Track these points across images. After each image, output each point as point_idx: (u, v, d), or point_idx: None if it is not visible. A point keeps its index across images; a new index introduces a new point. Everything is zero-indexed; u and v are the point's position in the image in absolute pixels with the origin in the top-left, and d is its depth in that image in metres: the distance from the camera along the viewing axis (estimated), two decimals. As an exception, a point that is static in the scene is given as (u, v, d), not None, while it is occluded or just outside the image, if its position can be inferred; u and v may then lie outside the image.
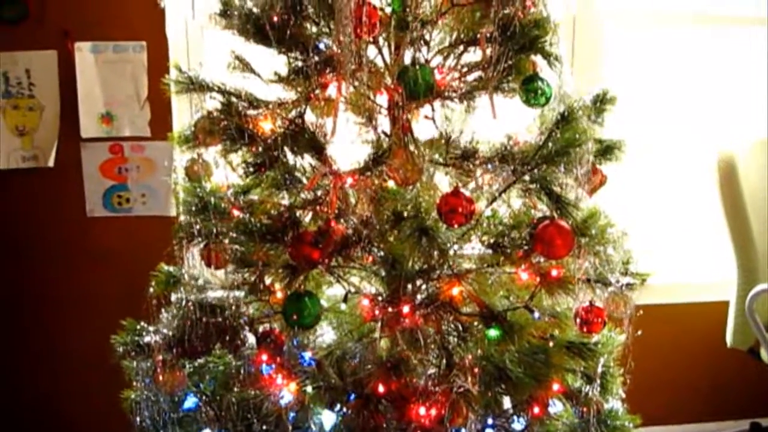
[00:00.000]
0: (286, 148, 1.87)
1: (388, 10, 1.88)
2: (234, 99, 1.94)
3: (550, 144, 1.79)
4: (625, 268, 2.07)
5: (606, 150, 2.02)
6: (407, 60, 1.86)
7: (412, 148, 1.80)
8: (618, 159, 2.05)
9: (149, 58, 2.94)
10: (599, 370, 2.11)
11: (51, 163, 2.98)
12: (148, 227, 3.03)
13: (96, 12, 2.91)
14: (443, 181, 1.96)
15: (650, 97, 3.27)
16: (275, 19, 1.87)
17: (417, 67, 1.78)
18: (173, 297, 2.21)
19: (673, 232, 3.38)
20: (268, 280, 2.08)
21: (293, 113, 1.96)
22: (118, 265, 3.03)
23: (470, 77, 1.94)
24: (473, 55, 1.95)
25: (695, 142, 3.29)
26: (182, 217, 2.13)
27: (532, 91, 1.87)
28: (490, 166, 1.80)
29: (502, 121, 1.94)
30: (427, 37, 1.91)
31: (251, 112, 1.96)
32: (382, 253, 1.95)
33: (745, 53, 3.31)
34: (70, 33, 2.90)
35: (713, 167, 2.82)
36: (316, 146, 1.83)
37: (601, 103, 1.98)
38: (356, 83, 1.87)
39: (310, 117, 1.93)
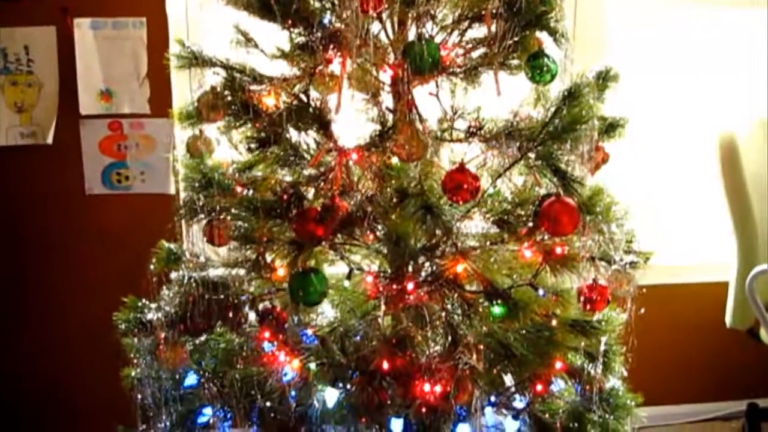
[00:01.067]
0: (289, 125, 1.86)
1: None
2: (237, 74, 1.92)
3: (556, 120, 1.78)
4: (628, 246, 2.06)
5: (609, 127, 2.01)
6: (411, 36, 1.84)
7: (417, 123, 1.79)
8: (621, 136, 2.05)
9: (149, 35, 2.92)
10: (601, 348, 2.11)
11: (50, 140, 2.97)
12: (147, 205, 3.01)
13: (95, -12, 2.89)
14: (448, 158, 1.95)
15: (652, 76, 3.25)
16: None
17: (423, 42, 1.76)
18: (173, 274, 2.20)
19: (675, 211, 3.37)
20: (269, 258, 2.07)
21: (297, 88, 1.95)
22: (117, 243, 3.02)
23: (475, 53, 1.92)
24: (478, 31, 1.93)
25: (697, 121, 3.28)
26: (183, 194, 2.12)
27: (537, 67, 1.86)
28: (495, 142, 1.79)
29: (507, 98, 1.93)
30: (432, 12, 1.89)
31: (254, 87, 1.95)
32: (386, 231, 1.94)
33: (747, 33, 3.29)
34: (69, 9, 2.88)
35: (714, 147, 2.82)
36: (320, 122, 1.82)
37: (604, 80, 1.97)
38: (360, 59, 1.85)
39: (314, 93, 1.91)
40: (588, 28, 3.01)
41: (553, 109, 1.78)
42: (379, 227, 1.94)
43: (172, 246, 2.26)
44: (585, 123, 1.77)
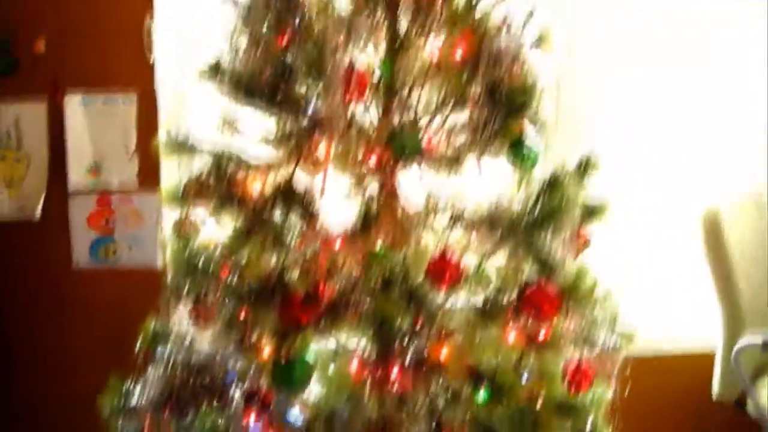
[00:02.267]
0: (275, 210, 1.88)
1: (377, 73, 1.90)
2: (224, 160, 1.95)
3: (536, 210, 1.81)
4: (611, 327, 2.08)
5: (590, 213, 2.04)
6: (396, 121, 1.88)
7: (399, 212, 1.82)
8: (602, 221, 2.07)
9: (139, 110, 2.96)
10: (588, 428, 2.11)
11: (38, 215, 2.98)
12: (135, 279, 3.02)
13: (86, 64, 2.93)
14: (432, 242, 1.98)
15: (637, 152, 3.29)
16: (265, 81, 1.89)
17: (405, 131, 1.80)
18: (159, 351, 2.20)
19: (661, 283, 3.39)
20: (255, 337, 2.07)
21: (282, 173, 1.98)
22: (104, 317, 3.02)
23: (458, 138, 1.96)
24: (461, 115, 1.97)
25: (682, 194, 3.31)
26: (170, 277, 2.13)
27: (519, 154, 1.89)
28: (477, 232, 1.81)
29: (491, 179, 1.97)
30: (415, 99, 1.93)
31: (241, 173, 1.98)
32: (370, 313, 1.95)
33: (731, 107, 3.34)
34: (60, 85, 2.92)
35: (698, 224, 2.85)
36: (305, 208, 1.85)
37: (584, 168, 2.01)
38: (345, 145, 1.89)
39: (299, 176, 1.94)
40: (570, 106, 3.06)
41: (533, 198, 1.81)
42: (364, 310, 1.95)
43: (159, 324, 2.26)
44: (565, 212, 1.80)
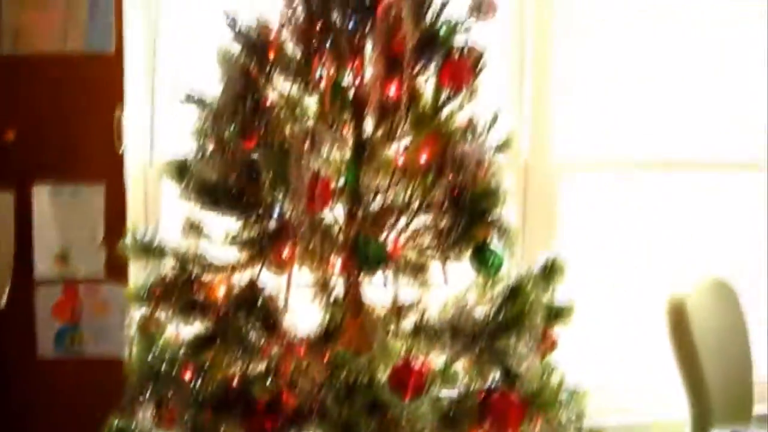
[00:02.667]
0: (238, 316, 1.88)
1: (342, 181, 1.92)
2: (188, 264, 1.95)
3: (500, 317, 1.82)
4: (577, 427, 2.08)
5: (557, 314, 2.05)
6: (360, 227, 1.90)
7: (364, 319, 1.82)
8: (568, 322, 2.08)
9: (107, 201, 2.95)
10: None
11: (3, 304, 2.94)
12: (101, 369, 2.97)
13: (55, 155, 2.93)
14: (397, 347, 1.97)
15: (606, 240, 3.33)
16: (231, 184, 1.90)
17: (369, 240, 1.81)
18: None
19: (628, 371, 3.40)
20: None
21: (247, 277, 1.98)
22: (69, 408, 2.96)
23: (423, 243, 1.97)
24: (425, 219, 1.99)
25: (647, 283, 3.34)
26: (133, 377, 2.11)
27: (483, 260, 1.90)
28: (441, 338, 1.82)
29: (454, 285, 1.98)
30: (379, 204, 1.95)
31: (205, 276, 1.98)
32: (334, 420, 1.93)
33: (699, 195, 3.41)
34: (29, 176, 2.91)
35: (664, 313, 2.87)
36: (268, 316, 1.84)
37: (550, 271, 2.02)
38: (310, 250, 1.90)
39: (264, 279, 1.94)
40: (538, 215, 3.10)
41: (496, 305, 1.82)
42: (328, 417, 1.93)
43: (122, 422, 2.23)
44: (528, 319, 1.81)
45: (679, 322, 2.87)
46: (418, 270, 1.91)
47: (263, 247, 1.92)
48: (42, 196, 2.93)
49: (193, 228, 1.99)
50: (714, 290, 3.06)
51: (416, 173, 1.97)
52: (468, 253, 1.93)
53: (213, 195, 1.93)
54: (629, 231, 3.36)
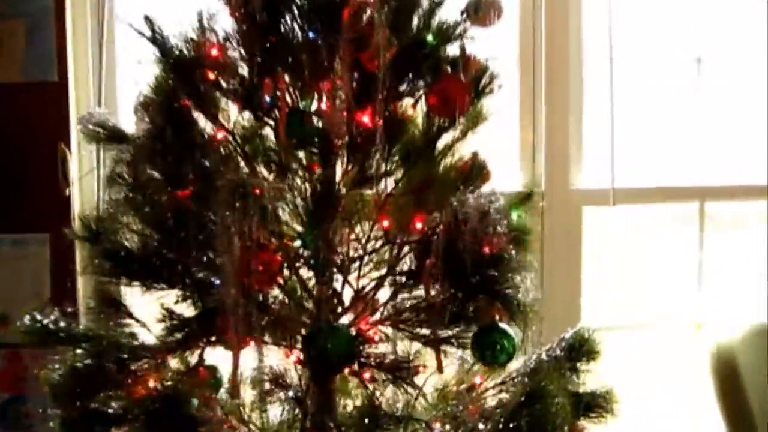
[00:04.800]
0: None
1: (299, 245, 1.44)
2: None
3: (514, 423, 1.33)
4: None
5: (587, 407, 1.55)
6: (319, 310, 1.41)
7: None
8: (606, 416, 1.58)
9: (53, 252, 2.51)
10: None
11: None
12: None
13: (-8, 199, 2.50)
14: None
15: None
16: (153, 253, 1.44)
17: (329, 330, 1.33)
18: None
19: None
20: None
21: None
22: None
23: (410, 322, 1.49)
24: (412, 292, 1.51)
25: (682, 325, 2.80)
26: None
27: (488, 346, 1.41)
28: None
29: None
30: (352, 276, 1.47)
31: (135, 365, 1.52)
32: None
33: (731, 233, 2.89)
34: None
35: (709, 366, 2.35)
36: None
37: (578, 352, 1.52)
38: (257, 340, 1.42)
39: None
40: (558, 253, 2.59)
41: (509, 411, 1.32)
42: None
43: None
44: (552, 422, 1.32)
45: (730, 378, 2.35)
46: (402, 369, 1.41)
47: (195, 331, 1.45)
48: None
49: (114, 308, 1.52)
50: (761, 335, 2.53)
51: (402, 230, 1.50)
52: (469, 339, 1.44)
53: (127, 264, 1.46)
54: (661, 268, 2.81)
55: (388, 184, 1.56)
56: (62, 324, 1.54)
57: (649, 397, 2.80)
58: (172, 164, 1.47)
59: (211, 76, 1.54)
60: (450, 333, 1.46)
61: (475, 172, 1.65)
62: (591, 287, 2.65)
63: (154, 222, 1.47)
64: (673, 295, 2.73)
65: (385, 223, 1.55)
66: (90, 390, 1.54)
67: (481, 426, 1.37)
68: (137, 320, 1.55)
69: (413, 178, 1.57)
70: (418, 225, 1.51)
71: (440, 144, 1.63)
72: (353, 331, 1.37)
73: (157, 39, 1.50)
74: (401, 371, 1.40)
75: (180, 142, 1.47)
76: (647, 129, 2.69)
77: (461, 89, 1.45)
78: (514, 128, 2.62)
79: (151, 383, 1.51)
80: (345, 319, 1.44)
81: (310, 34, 1.50)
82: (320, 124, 1.49)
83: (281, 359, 1.46)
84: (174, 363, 1.56)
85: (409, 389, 1.41)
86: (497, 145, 2.60)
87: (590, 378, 1.56)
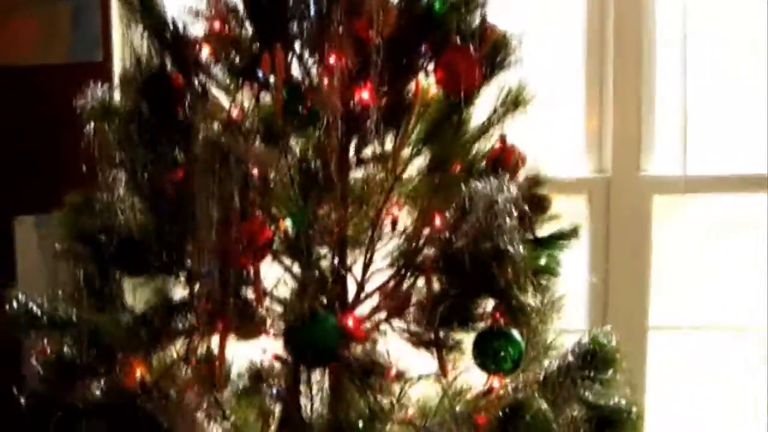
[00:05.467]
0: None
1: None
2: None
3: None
4: None
5: (606, 421, 1.36)
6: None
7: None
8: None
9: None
10: None
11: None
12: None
13: (41, 180, 2.47)
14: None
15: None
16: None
17: (313, 320, 1.20)
18: None
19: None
20: None
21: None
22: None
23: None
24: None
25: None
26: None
27: (489, 352, 1.25)
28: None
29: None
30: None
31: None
32: None
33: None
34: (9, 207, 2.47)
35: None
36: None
37: (591, 362, 1.34)
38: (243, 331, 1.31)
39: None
40: (625, 247, 2.36)
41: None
42: None
43: None
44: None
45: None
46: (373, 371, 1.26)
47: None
48: (24, 228, 2.48)
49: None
50: None
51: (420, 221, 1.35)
52: (469, 342, 1.28)
53: (116, 249, 1.36)
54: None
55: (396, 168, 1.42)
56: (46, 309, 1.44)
57: (717, 402, 2.54)
58: (157, 143, 1.37)
59: (208, 49, 1.43)
60: (451, 335, 1.30)
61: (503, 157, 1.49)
62: (660, 283, 2.41)
63: (146, 204, 1.37)
64: (751, 295, 2.44)
65: (395, 211, 1.42)
66: (71, 378, 1.45)
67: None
68: (125, 306, 1.45)
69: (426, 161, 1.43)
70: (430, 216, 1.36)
71: (471, 127, 1.49)
72: (339, 323, 1.23)
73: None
74: (373, 376, 1.24)
75: (166, 119, 1.36)
76: (722, 114, 2.42)
77: (469, 62, 1.29)
78: (578, 112, 2.41)
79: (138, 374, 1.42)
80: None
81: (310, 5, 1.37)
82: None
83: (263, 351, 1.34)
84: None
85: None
86: (560, 130, 2.42)
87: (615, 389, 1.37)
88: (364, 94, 1.33)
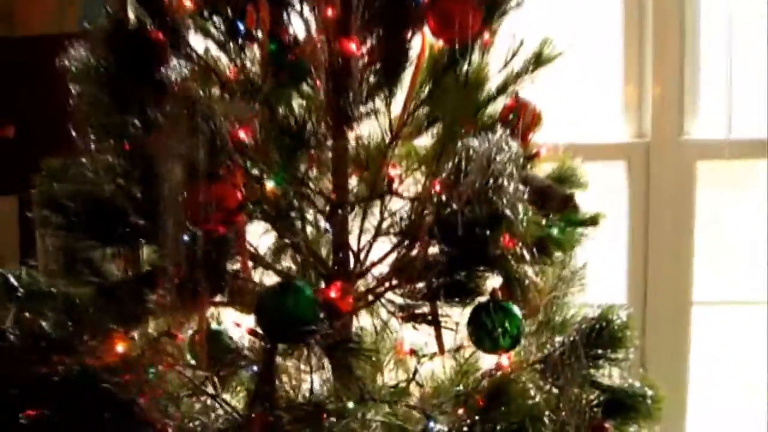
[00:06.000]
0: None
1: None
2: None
3: None
4: None
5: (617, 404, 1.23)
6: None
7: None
8: (639, 420, 1.26)
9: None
10: None
11: None
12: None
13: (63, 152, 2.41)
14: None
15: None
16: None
17: (286, 291, 1.09)
18: None
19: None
20: None
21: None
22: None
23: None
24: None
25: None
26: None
27: (485, 328, 1.13)
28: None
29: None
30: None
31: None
32: None
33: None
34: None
35: None
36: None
37: (597, 339, 1.20)
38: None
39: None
40: (665, 214, 2.20)
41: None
42: None
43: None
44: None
45: None
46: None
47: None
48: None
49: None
50: None
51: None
52: (464, 317, 1.16)
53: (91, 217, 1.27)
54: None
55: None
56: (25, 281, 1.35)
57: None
58: (132, 103, 1.27)
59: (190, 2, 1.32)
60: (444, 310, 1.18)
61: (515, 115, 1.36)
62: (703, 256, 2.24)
63: (119, 167, 1.28)
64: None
65: (391, 171, 1.30)
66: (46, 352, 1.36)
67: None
68: (100, 277, 1.36)
69: (422, 119, 1.31)
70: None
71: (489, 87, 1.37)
72: (318, 295, 1.11)
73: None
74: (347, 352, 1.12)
75: (142, 78, 1.26)
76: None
77: (463, 6, 1.16)
78: (617, 74, 2.25)
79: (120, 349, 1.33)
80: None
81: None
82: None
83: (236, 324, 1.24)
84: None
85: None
86: (598, 93, 2.26)
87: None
88: (352, 46, 1.21)
